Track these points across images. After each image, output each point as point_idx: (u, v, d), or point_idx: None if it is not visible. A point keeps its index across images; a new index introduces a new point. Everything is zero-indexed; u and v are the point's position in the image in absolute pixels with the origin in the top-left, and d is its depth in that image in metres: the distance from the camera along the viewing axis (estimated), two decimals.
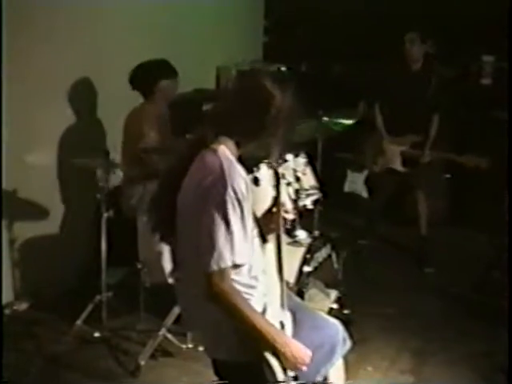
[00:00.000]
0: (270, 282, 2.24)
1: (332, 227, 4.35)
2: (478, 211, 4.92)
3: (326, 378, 2.35)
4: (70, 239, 4.04)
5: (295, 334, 2.21)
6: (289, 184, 2.94)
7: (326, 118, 3.78)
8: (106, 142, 4.18)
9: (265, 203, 2.41)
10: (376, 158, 4.77)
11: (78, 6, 3.80)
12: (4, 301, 3.69)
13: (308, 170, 3.22)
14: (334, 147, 4.28)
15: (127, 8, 4.24)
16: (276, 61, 5.42)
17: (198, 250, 2.00)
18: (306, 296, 3.17)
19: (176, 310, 3.31)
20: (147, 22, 4.44)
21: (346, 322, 2.60)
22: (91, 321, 3.52)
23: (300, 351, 2.10)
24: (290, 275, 3.09)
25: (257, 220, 2.23)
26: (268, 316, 2.12)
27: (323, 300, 3.34)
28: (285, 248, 2.35)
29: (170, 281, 2.60)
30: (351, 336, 2.44)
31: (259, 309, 2.11)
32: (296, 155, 3.10)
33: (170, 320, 3.37)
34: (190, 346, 3.33)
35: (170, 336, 3.36)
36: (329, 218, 4.15)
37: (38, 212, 3.84)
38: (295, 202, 2.99)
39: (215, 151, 2.06)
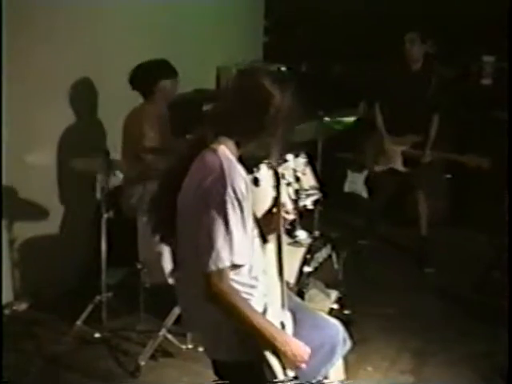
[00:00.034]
0: (271, 282, 2.24)
1: (332, 227, 4.35)
2: (479, 211, 4.93)
3: (326, 378, 2.35)
4: (70, 239, 4.03)
5: (296, 334, 2.21)
6: (289, 184, 2.94)
7: (326, 118, 3.78)
8: (106, 142, 4.19)
9: (265, 203, 2.41)
10: (377, 157, 4.76)
11: (78, 5, 3.80)
12: (4, 301, 3.69)
13: (308, 170, 3.22)
14: (334, 147, 4.28)
15: (127, 8, 4.24)
16: (276, 61, 5.39)
17: (197, 250, 2.00)
18: (307, 296, 3.17)
19: (176, 311, 3.31)
20: (147, 21, 4.44)
21: (347, 323, 2.60)
22: (91, 321, 3.52)
23: (300, 349, 2.10)
24: (291, 275, 3.09)
25: (257, 220, 2.23)
26: (268, 316, 2.12)
27: (323, 300, 3.34)
28: (285, 248, 2.35)
29: (170, 281, 2.60)
30: (351, 336, 2.44)
31: (260, 309, 2.10)
32: (296, 155, 3.10)
33: (170, 320, 3.36)
34: (190, 346, 3.33)
35: (170, 336, 3.36)
36: (329, 218, 4.15)
37: (38, 212, 3.83)
38: (295, 202, 2.98)
39: (215, 151, 2.06)
